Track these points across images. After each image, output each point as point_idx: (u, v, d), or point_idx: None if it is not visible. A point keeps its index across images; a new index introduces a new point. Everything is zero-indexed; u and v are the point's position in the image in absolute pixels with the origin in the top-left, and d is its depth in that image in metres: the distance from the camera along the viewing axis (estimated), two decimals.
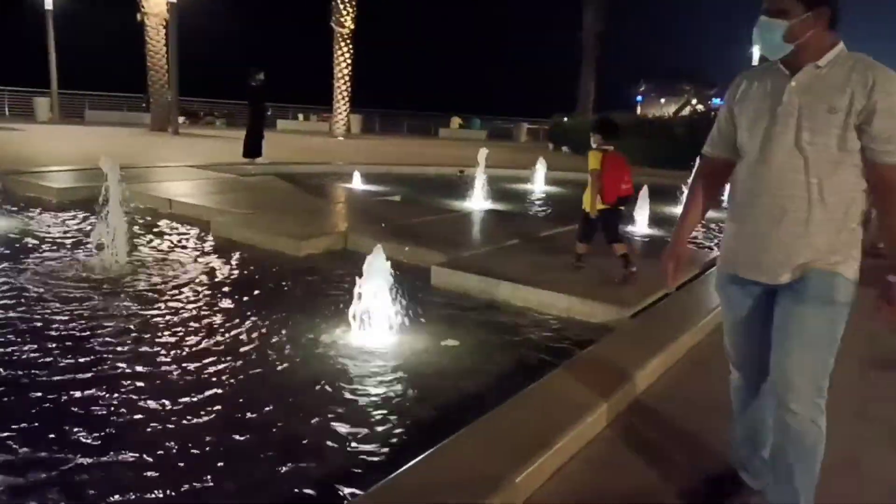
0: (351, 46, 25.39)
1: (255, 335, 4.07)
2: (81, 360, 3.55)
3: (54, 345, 3.73)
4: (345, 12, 24.92)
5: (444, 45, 63.54)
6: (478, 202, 10.42)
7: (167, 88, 22.32)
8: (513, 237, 6.80)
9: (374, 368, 3.67)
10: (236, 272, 5.52)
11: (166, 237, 6.66)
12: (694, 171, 2.63)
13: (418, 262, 5.74)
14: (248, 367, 3.61)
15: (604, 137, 5.27)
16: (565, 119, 28.16)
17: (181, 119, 23.80)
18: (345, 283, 4.96)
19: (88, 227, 6.78)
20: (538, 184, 13.60)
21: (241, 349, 3.85)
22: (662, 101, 53.53)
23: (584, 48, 31.36)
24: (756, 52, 27.91)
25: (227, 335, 4.06)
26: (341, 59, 25.46)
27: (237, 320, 4.32)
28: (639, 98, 58.13)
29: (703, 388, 3.52)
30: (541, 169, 13.75)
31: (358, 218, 8.09)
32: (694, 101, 36.39)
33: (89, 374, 3.39)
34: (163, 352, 3.75)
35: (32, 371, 3.39)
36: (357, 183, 11.86)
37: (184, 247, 6.29)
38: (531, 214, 10.52)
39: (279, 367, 3.64)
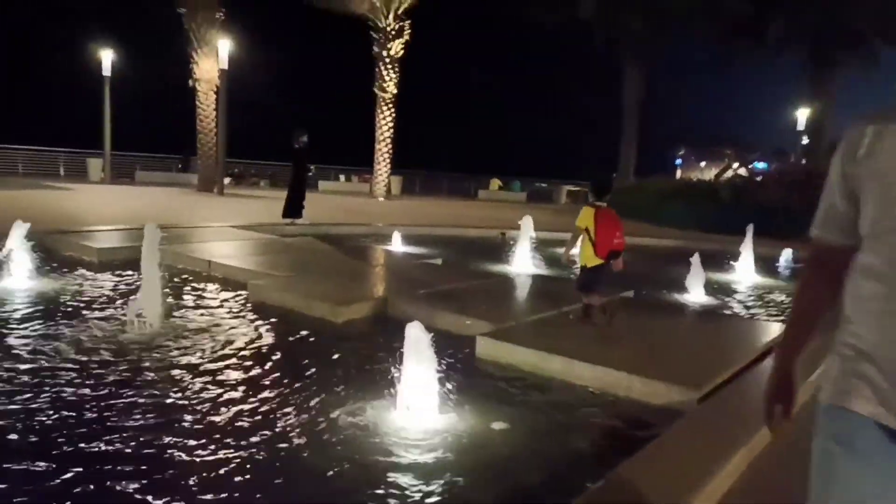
0: (393, 110, 25.89)
1: (285, 414, 3.74)
2: (105, 429, 3.29)
3: (82, 412, 3.48)
4: (388, 78, 25.54)
5: (485, 108, 64.74)
6: (522, 265, 10.09)
7: (215, 150, 22.89)
8: (561, 304, 6.41)
9: (417, 455, 3.29)
10: (270, 340, 5.25)
11: (202, 300, 6.46)
12: (805, 262, 1.77)
13: (462, 331, 5.40)
14: (277, 450, 3.27)
15: (595, 196, 5.65)
16: None
17: (227, 179, 24.29)
18: (384, 353, 4.66)
19: (125, 290, 6.66)
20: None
21: (271, 429, 3.51)
22: (702, 164, 53.46)
23: (624, 114, 31.53)
24: (801, 116, 27.69)
25: (256, 411, 3.74)
26: (383, 122, 25.94)
27: (268, 395, 4.01)
28: (678, 161, 58.30)
29: (795, 488, 3.05)
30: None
31: (398, 282, 7.82)
32: (735, 165, 36.13)
33: (113, 445, 3.14)
34: (188, 427, 3.45)
35: (58, 439, 3.17)
36: (397, 244, 11.67)
37: (219, 312, 6.05)
38: None
39: (312, 451, 3.29)
